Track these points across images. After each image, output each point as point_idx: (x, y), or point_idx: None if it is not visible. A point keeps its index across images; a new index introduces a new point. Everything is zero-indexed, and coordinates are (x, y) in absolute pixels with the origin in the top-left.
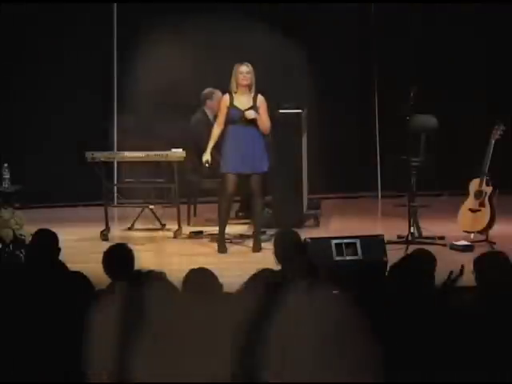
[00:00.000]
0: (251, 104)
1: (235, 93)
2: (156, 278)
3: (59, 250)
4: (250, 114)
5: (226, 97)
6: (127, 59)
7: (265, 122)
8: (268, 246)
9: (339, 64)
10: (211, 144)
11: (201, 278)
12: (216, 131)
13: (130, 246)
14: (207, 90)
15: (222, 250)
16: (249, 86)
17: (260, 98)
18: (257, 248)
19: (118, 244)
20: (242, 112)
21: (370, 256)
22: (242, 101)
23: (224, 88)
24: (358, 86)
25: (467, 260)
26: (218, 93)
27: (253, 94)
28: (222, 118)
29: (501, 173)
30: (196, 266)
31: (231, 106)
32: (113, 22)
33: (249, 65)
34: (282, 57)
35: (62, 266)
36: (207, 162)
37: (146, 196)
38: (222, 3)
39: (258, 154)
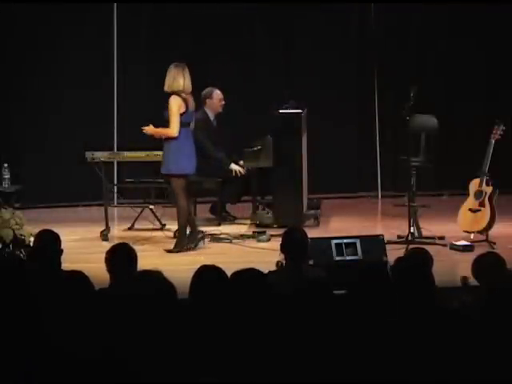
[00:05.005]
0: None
1: (183, 96)
2: (155, 277)
3: (61, 251)
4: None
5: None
6: (127, 59)
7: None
8: (268, 246)
9: (339, 64)
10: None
11: (210, 275)
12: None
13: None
14: (207, 90)
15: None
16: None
17: None
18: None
19: (121, 243)
20: (192, 117)
21: (370, 256)
22: (191, 104)
23: (222, 87)
24: (358, 86)
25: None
26: (217, 91)
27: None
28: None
29: (501, 173)
30: (196, 266)
31: (187, 109)
32: (113, 22)
33: None
34: (281, 57)
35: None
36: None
37: (146, 196)
38: (221, 3)
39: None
